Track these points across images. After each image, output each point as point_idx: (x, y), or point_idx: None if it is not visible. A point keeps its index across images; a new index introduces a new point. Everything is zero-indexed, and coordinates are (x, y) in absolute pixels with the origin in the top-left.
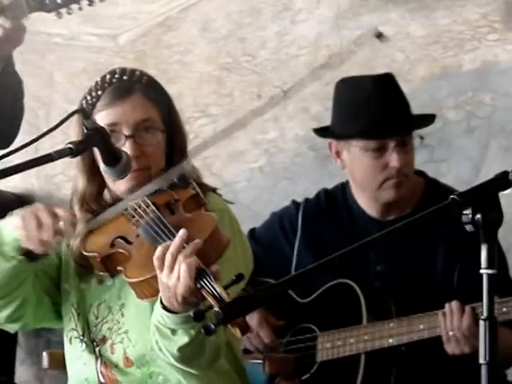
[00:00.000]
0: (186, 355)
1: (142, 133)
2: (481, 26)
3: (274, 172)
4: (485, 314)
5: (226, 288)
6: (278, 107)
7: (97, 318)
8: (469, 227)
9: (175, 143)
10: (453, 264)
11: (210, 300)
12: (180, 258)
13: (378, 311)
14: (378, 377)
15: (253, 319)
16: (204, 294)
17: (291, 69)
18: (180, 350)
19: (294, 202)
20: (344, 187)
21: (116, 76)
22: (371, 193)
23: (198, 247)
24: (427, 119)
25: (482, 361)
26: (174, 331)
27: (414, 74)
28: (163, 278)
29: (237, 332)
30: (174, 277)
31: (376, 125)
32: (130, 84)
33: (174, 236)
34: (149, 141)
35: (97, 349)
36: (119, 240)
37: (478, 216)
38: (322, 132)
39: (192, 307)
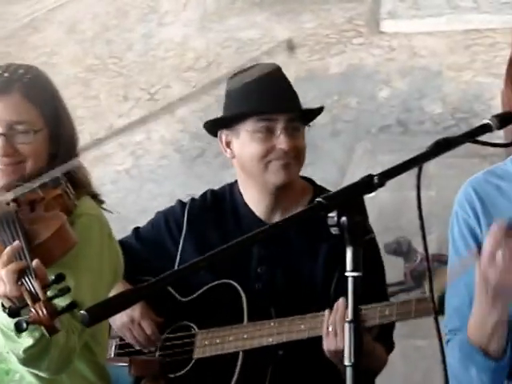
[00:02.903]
0: (32, 357)
1: (16, 132)
2: (346, 30)
3: (140, 174)
4: (350, 316)
5: (44, 287)
6: (144, 110)
7: None
8: (334, 230)
9: (60, 141)
10: (331, 274)
11: (26, 298)
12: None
13: (258, 314)
14: (254, 377)
15: (135, 311)
16: (22, 291)
17: (158, 71)
18: (25, 351)
19: (180, 201)
20: (231, 187)
21: None
22: (258, 179)
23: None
24: (316, 110)
25: (347, 362)
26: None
27: None
28: None
29: (44, 331)
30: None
31: (266, 102)
32: (10, 82)
33: (16, 232)
34: (21, 140)
35: None
36: None
37: (344, 219)
38: (211, 125)
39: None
